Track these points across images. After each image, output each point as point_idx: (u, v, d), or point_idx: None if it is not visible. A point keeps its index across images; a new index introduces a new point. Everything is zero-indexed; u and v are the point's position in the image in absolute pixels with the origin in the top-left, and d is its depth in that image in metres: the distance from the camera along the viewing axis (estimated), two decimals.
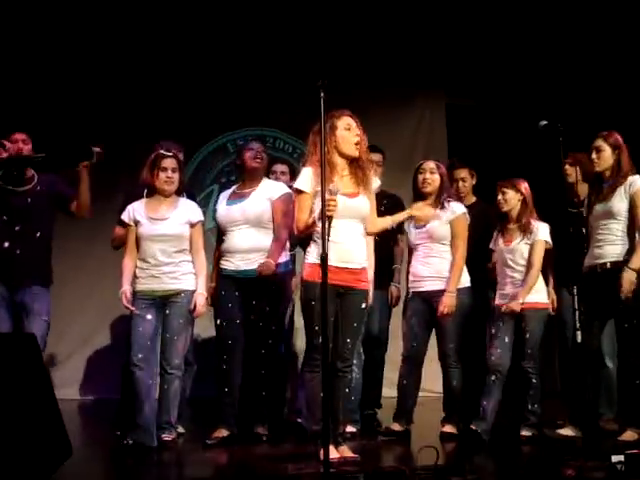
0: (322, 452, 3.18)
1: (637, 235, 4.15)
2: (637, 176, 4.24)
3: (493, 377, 4.38)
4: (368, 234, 3.85)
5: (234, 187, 4.66)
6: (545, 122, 4.00)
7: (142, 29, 6.61)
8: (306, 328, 3.71)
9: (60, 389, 5.85)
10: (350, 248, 3.67)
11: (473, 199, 4.98)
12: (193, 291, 4.26)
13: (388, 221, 3.92)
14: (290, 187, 4.65)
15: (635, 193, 4.18)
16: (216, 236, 4.71)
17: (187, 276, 4.27)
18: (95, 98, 6.75)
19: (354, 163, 3.74)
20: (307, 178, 3.70)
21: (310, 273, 3.64)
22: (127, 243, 4.31)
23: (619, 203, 4.20)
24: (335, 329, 3.68)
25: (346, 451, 3.67)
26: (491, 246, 4.62)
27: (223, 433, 4.32)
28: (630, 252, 4.15)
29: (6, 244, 4.37)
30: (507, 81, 6.87)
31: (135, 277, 4.25)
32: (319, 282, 3.33)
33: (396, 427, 4.50)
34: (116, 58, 6.74)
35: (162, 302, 4.23)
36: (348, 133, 3.71)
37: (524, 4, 6.26)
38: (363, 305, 3.76)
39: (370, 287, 3.90)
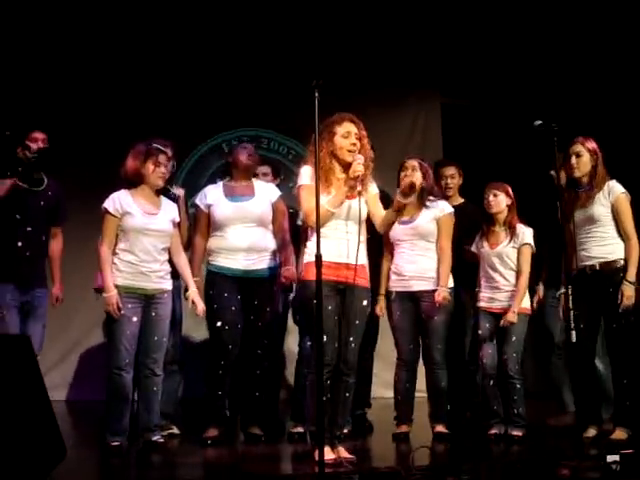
0: (317, 452, 3.18)
1: (625, 243, 4.19)
2: (614, 181, 4.28)
3: (491, 381, 4.42)
4: (380, 231, 3.88)
5: (223, 183, 4.56)
6: (540, 122, 4.00)
7: (139, 30, 6.60)
8: (308, 328, 3.70)
9: (52, 391, 5.83)
10: (346, 244, 3.69)
11: (461, 200, 5.00)
12: (171, 291, 4.22)
13: (390, 212, 3.79)
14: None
15: (616, 200, 4.23)
16: (194, 231, 4.50)
17: (168, 275, 4.21)
18: (90, 99, 6.74)
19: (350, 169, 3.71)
20: (308, 174, 3.71)
21: (309, 272, 3.63)
22: (108, 234, 4.08)
23: (599, 209, 4.23)
24: (339, 329, 3.67)
25: (342, 451, 3.66)
26: (473, 249, 4.58)
27: (215, 433, 4.32)
28: (618, 252, 4.19)
29: (19, 244, 4.36)
30: (502, 81, 6.87)
31: (118, 270, 4.06)
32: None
33: (405, 429, 4.46)
34: (112, 59, 6.71)
35: (146, 301, 4.11)
36: (345, 141, 3.72)
37: (519, 4, 6.27)
38: (365, 302, 3.75)
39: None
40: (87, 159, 6.62)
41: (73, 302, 6.47)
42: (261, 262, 4.41)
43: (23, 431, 3.06)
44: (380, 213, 3.81)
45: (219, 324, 4.31)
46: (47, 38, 6.50)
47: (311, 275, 3.54)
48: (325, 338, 3.51)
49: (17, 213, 4.38)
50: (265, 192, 4.53)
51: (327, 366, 3.58)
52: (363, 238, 3.79)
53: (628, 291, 4.12)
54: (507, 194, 4.51)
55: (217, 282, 4.35)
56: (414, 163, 4.52)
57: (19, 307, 4.34)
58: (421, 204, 4.52)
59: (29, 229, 4.40)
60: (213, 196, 4.48)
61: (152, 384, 4.13)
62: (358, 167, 3.63)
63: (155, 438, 4.12)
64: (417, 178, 3.69)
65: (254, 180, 4.60)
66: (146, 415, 4.13)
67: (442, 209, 4.52)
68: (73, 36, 6.53)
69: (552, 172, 4.70)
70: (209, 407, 4.35)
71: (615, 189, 4.25)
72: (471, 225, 4.64)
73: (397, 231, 4.50)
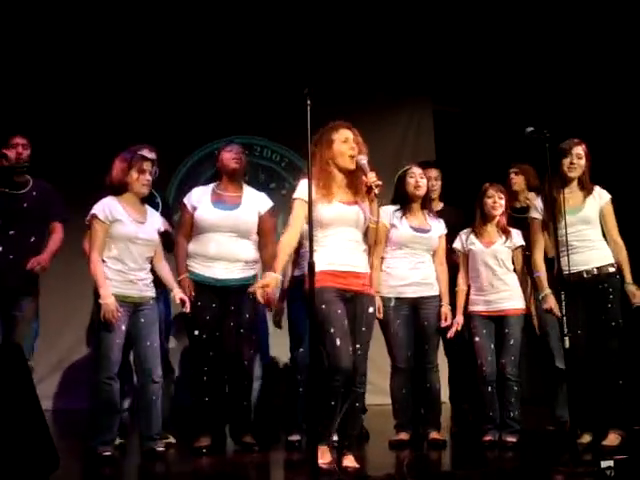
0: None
1: (615, 247, 4.29)
2: (599, 187, 4.38)
3: (489, 387, 4.42)
4: (373, 244, 3.86)
5: (212, 187, 4.51)
6: (531, 129, 4.02)
7: (133, 36, 6.59)
8: (321, 335, 3.70)
9: (47, 400, 5.82)
10: (351, 252, 3.69)
11: (441, 205, 5.05)
12: (155, 298, 4.23)
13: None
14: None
15: (607, 204, 4.34)
16: (178, 230, 4.47)
17: (152, 283, 4.22)
18: (83, 105, 6.73)
19: (352, 175, 3.77)
20: (306, 188, 3.67)
21: (318, 280, 3.54)
22: (98, 241, 4.03)
23: (592, 211, 4.32)
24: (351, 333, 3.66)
25: (351, 460, 3.64)
26: (457, 246, 4.61)
27: (206, 442, 4.29)
28: (609, 256, 4.27)
29: (0, 249, 4.32)
30: (494, 88, 6.90)
31: (107, 279, 4.01)
32: (327, 287, 3.43)
33: (404, 437, 4.43)
34: (106, 65, 6.71)
35: (133, 309, 4.10)
36: (345, 146, 3.73)
37: (510, 13, 6.29)
38: (371, 309, 3.75)
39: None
40: (80, 164, 6.59)
41: (66, 311, 6.48)
42: (238, 271, 4.35)
43: (15, 441, 3.04)
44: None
45: (196, 332, 4.30)
46: (40, 43, 6.48)
47: (320, 282, 3.47)
48: (338, 342, 3.51)
49: None
50: (254, 202, 4.46)
51: (343, 372, 3.53)
52: (365, 247, 3.78)
53: (634, 289, 4.23)
54: (506, 197, 4.58)
55: (192, 289, 4.31)
56: (420, 170, 4.59)
57: (2, 313, 4.30)
58: (426, 214, 4.56)
59: (12, 232, 4.36)
60: (200, 199, 4.42)
61: (150, 392, 4.10)
62: (372, 178, 3.64)
63: (155, 447, 4.10)
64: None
65: (246, 186, 4.54)
66: (147, 423, 4.11)
67: (444, 227, 4.61)
68: (66, 42, 6.51)
69: (512, 175, 5.01)
70: (198, 415, 4.31)
71: (604, 194, 4.37)
72: (452, 229, 4.67)
73: (406, 235, 4.48)
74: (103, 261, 4.06)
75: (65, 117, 6.68)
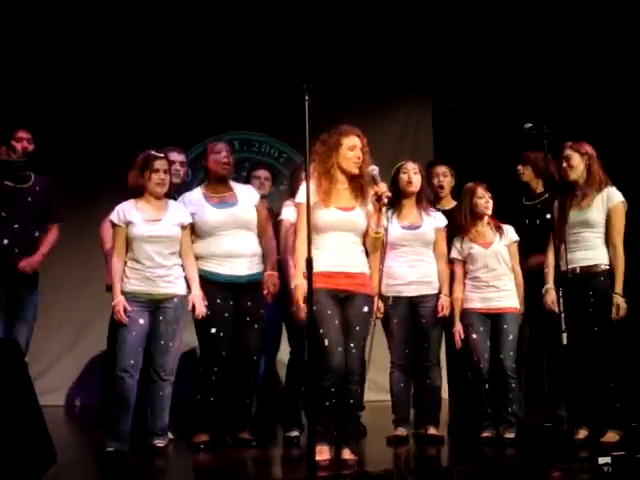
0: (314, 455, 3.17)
1: (611, 253, 4.20)
2: (614, 188, 4.28)
3: (486, 384, 4.42)
4: (369, 249, 3.85)
5: (201, 190, 4.47)
6: (530, 124, 4.01)
7: (131, 33, 6.57)
8: (308, 335, 3.70)
9: (46, 395, 5.82)
10: (345, 254, 3.73)
11: (454, 203, 5.00)
12: (184, 295, 4.20)
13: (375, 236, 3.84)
14: (263, 196, 4.71)
15: (614, 207, 4.24)
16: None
17: (179, 280, 4.20)
18: (80, 102, 6.71)
19: (354, 180, 3.81)
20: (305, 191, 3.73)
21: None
22: (116, 244, 4.13)
23: (596, 214, 4.24)
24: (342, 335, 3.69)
25: (347, 453, 3.67)
26: (454, 255, 4.56)
27: (205, 438, 4.29)
28: (599, 258, 4.21)
29: (5, 241, 4.33)
30: (492, 84, 6.90)
31: (125, 277, 4.08)
32: (318, 288, 3.42)
33: (402, 432, 4.44)
34: (104, 62, 6.69)
35: (154, 306, 4.12)
36: (351, 153, 3.77)
37: (509, 9, 6.29)
38: (365, 308, 3.76)
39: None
40: (79, 161, 6.58)
41: (64, 306, 6.47)
42: (252, 267, 4.37)
43: (11, 436, 3.04)
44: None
45: (213, 331, 4.25)
46: (40, 41, 6.47)
47: (313, 284, 3.52)
48: (327, 342, 3.55)
49: (2, 211, 4.35)
50: (247, 196, 4.48)
51: (333, 372, 3.59)
52: (362, 248, 3.82)
53: (620, 301, 4.13)
54: (492, 194, 4.56)
55: (208, 288, 4.28)
56: (414, 165, 4.56)
57: (5, 308, 4.31)
58: (421, 210, 4.54)
59: (16, 226, 4.37)
60: (194, 204, 4.40)
61: (158, 388, 4.11)
62: (383, 189, 3.70)
63: (156, 442, 4.11)
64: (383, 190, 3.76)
65: (232, 183, 4.54)
66: (151, 419, 4.13)
67: (442, 220, 4.56)
68: (66, 39, 6.50)
69: (519, 167, 4.88)
70: (200, 413, 4.30)
71: (614, 196, 4.26)
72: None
73: (397, 235, 4.44)
74: (125, 262, 4.12)
75: (61, 113, 6.64)
